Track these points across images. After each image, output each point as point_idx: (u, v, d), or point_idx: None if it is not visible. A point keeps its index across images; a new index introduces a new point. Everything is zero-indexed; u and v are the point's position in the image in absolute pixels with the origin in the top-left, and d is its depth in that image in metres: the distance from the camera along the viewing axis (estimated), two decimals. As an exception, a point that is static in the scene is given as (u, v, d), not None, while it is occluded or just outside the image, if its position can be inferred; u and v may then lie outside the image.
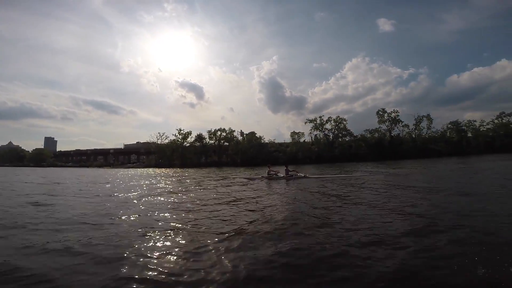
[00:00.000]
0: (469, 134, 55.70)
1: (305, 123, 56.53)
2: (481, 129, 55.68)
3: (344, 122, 54.15)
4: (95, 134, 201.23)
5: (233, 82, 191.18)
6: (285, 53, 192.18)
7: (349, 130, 53.90)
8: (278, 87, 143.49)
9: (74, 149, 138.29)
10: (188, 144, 66.95)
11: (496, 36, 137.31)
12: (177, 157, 68.90)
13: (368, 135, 54.74)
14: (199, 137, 64.45)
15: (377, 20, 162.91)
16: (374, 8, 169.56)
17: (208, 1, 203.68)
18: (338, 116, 54.64)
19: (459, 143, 53.58)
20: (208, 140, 64.12)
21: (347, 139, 54.74)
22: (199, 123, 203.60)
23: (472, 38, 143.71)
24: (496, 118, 55.23)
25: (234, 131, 61.68)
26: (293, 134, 56.14)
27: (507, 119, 55.32)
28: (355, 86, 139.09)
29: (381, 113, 54.37)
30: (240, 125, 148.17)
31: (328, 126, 54.91)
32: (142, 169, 59.12)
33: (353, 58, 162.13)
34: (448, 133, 56.26)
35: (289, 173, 17.33)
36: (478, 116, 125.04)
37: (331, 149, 52.41)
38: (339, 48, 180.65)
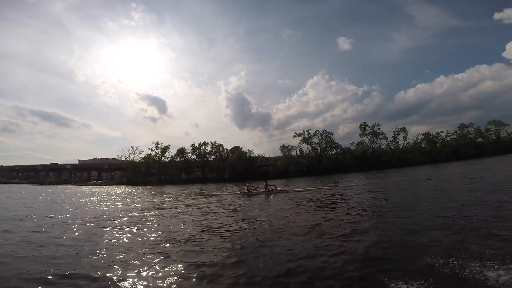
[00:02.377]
0: (437, 145, 61.22)
1: (294, 136, 57.26)
2: (447, 140, 61.81)
3: (331, 136, 55.90)
4: (41, 149, 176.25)
5: (199, 97, 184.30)
6: (253, 69, 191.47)
7: (337, 143, 55.82)
8: (245, 103, 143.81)
9: (17, 164, 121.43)
10: (167, 159, 62.63)
11: (436, 54, 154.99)
12: (153, 174, 63.99)
13: (353, 148, 57.25)
14: (181, 152, 60.58)
15: (338, 39, 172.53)
16: (337, 26, 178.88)
17: (178, 13, 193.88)
18: (325, 130, 56.42)
19: (431, 152, 58.63)
20: (191, 154, 60.67)
21: (334, 152, 56.35)
22: (160, 138, 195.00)
23: (417, 56, 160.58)
24: (459, 129, 62.29)
25: (221, 145, 59.44)
26: (283, 148, 56.16)
27: (466, 130, 62.94)
28: (316, 103, 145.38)
29: (363, 126, 57.37)
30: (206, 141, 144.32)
31: (315, 139, 56.17)
32: (116, 187, 53.58)
33: (314, 76, 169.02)
34: (420, 144, 61.25)
35: (268, 187, 18.00)
36: (422, 129, 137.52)
37: (319, 162, 53.44)
38: (302, 65, 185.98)
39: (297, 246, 5.93)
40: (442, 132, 62.86)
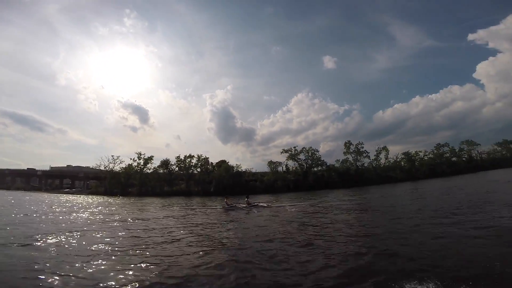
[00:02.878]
0: (416, 163, 64.19)
1: (281, 153, 57.77)
2: (425, 158, 65.05)
3: (317, 153, 56.96)
4: (10, 153, 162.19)
5: (183, 109, 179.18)
6: (239, 83, 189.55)
7: (323, 160, 56.90)
8: (230, 117, 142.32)
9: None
10: (150, 170, 60.53)
11: (413, 74, 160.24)
12: (133, 184, 61.56)
13: (338, 165, 58.62)
14: (165, 163, 58.73)
15: (323, 57, 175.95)
16: (323, 45, 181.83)
17: (170, 22, 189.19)
18: (311, 147, 57.54)
19: (410, 170, 61.28)
20: (176, 167, 58.97)
21: (319, 168, 57.29)
22: (140, 149, 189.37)
23: (395, 76, 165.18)
24: (435, 149, 65.97)
25: (207, 158, 58.29)
26: (270, 163, 56.18)
27: (442, 150, 66.74)
28: (299, 120, 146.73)
29: (348, 144, 59.12)
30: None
31: (301, 156, 56.96)
32: (93, 196, 50.77)
33: (299, 93, 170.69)
34: (400, 162, 63.94)
35: (251, 203, 17.97)
36: (397, 149, 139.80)
37: (305, 177, 54.03)
38: (288, 82, 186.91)
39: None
40: (421, 151, 66.35)
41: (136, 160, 60.56)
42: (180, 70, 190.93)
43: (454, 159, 67.44)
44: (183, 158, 57.80)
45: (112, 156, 62.20)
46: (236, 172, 54.14)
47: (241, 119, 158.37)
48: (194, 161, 58.39)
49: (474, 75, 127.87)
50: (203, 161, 57.81)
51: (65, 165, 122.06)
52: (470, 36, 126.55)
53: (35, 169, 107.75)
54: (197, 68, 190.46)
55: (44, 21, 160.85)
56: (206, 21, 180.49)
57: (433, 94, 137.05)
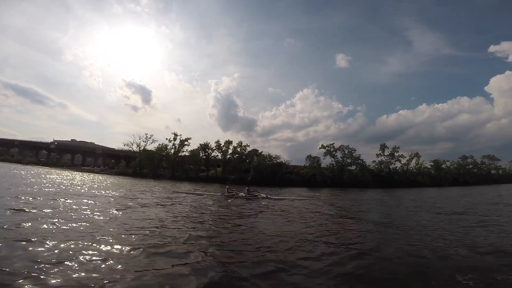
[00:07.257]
0: (442, 172, 66.96)
1: (320, 148, 59.04)
2: (450, 168, 67.82)
3: (354, 152, 58.70)
4: (7, 123, 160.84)
5: (187, 92, 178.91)
6: (247, 72, 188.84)
7: (361, 159, 58.52)
8: (232, 106, 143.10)
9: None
10: (186, 153, 60.36)
11: (424, 81, 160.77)
12: (166, 167, 61.21)
13: (374, 166, 60.55)
14: (205, 147, 58.54)
15: (337, 55, 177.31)
16: (338, 42, 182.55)
17: (185, 5, 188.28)
18: (348, 146, 59.18)
19: (435, 177, 63.75)
20: (213, 151, 58.91)
21: (354, 167, 58.82)
22: (138, 129, 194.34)
23: (405, 81, 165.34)
24: (461, 160, 69.00)
25: (248, 146, 58.43)
26: (309, 157, 57.08)
27: (466, 161, 69.89)
28: (302, 116, 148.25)
29: (383, 147, 61.09)
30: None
31: (339, 154, 58.52)
32: (125, 178, 49.58)
33: (305, 88, 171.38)
34: (426, 168, 66.61)
35: (251, 192, 18.22)
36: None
37: (341, 175, 55.34)
38: (295, 76, 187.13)
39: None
40: (448, 161, 70.22)
41: (171, 141, 60.16)
42: (189, 54, 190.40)
43: (474, 170, 70.37)
44: (223, 143, 57.84)
45: (146, 134, 61.74)
46: (276, 163, 54.60)
47: (244, 109, 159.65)
48: (231, 147, 58.38)
49: (486, 88, 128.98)
50: (242, 148, 57.90)
51: (69, 139, 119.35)
52: (492, 48, 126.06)
53: (49, 141, 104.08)
54: (206, 53, 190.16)
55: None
56: (220, 6, 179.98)
57: (440, 104, 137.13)
